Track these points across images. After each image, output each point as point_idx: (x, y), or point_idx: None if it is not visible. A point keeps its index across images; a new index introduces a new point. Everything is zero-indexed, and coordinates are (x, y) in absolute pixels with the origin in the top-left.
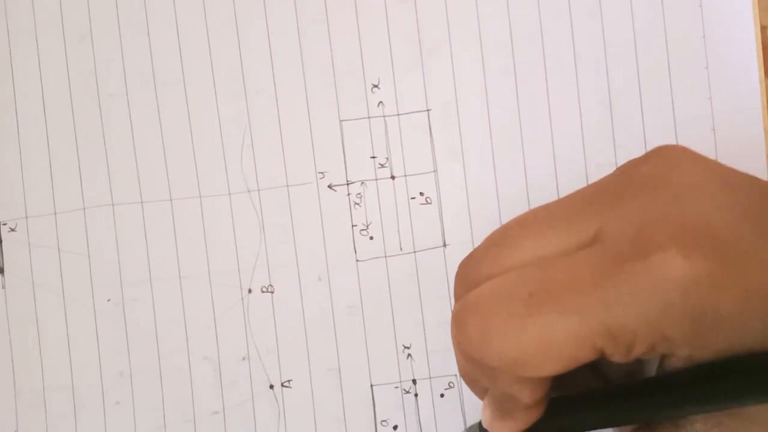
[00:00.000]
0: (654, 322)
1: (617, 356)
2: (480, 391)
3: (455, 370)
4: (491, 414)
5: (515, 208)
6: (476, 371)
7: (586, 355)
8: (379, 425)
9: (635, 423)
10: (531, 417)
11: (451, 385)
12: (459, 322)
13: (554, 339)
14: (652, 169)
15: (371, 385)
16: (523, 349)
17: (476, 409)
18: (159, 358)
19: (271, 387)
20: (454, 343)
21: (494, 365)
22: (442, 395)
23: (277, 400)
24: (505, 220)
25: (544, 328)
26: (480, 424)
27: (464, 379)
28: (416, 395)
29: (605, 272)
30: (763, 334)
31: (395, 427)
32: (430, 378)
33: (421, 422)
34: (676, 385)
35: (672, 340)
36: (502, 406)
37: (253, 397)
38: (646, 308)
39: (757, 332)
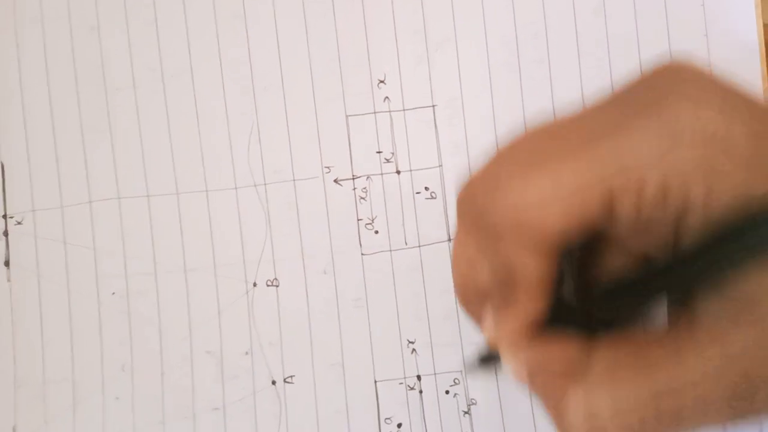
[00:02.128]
0: (665, 154)
1: (627, 206)
2: (476, 312)
3: (461, 365)
4: (492, 317)
5: None
6: (480, 245)
7: (593, 207)
8: (382, 423)
9: (646, 305)
10: (533, 306)
11: (457, 381)
12: (465, 188)
13: (561, 186)
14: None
15: (375, 381)
16: (528, 197)
17: (483, 402)
18: (161, 352)
19: (273, 383)
20: (458, 220)
21: (497, 222)
22: (447, 392)
23: (278, 396)
24: None
25: (550, 174)
26: (479, 356)
27: (461, 297)
28: (421, 392)
29: (617, 122)
30: None
31: (399, 425)
32: (434, 374)
33: (426, 420)
34: (692, 254)
35: (685, 175)
36: (503, 297)
37: (254, 393)
38: (656, 144)
39: None
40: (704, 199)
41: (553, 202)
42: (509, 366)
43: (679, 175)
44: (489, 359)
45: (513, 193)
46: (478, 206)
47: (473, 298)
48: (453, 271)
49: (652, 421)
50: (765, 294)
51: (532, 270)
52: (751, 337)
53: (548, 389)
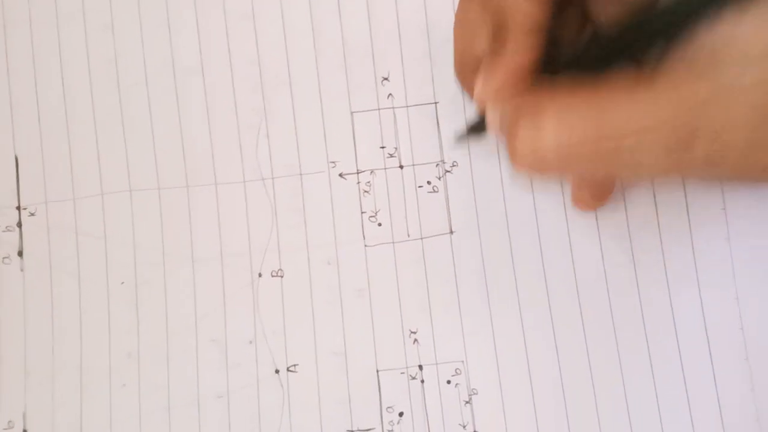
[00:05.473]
0: None
1: None
2: (471, 81)
3: (462, 356)
4: (483, 75)
5: (520, 197)
6: None
7: None
8: (384, 412)
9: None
10: (521, 53)
11: (458, 371)
12: None
13: None
14: None
15: (377, 371)
16: None
17: (484, 392)
18: (167, 340)
19: (277, 371)
20: None
21: None
22: (448, 381)
23: (282, 384)
24: (511, 208)
25: None
26: (468, 125)
27: (458, 66)
28: (422, 381)
29: None
30: None
31: (401, 414)
32: (436, 364)
33: (428, 410)
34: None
35: None
36: (495, 50)
37: (258, 381)
38: None
39: None
40: None
41: None
42: (490, 118)
43: None
44: (476, 128)
45: None
46: None
47: (469, 68)
48: (454, 43)
49: (591, 158)
50: (725, 45)
51: (524, 11)
52: (704, 87)
53: (511, 126)
